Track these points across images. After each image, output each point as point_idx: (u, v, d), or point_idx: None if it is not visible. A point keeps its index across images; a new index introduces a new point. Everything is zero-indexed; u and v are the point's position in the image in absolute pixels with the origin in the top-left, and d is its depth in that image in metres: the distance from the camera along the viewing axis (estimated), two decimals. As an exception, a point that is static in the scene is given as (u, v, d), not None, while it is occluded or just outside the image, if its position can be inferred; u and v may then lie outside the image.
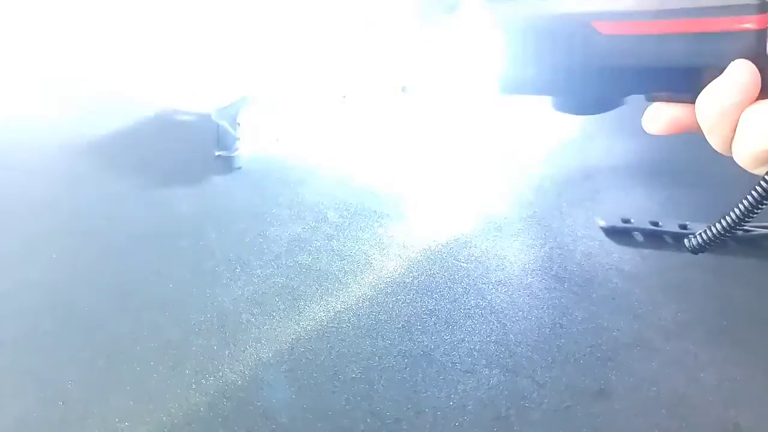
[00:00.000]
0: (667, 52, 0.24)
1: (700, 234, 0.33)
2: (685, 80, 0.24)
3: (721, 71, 0.22)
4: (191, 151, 0.51)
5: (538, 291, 0.40)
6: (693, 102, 0.24)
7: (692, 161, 0.53)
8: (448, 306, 0.38)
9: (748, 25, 0.22)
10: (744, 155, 0.21)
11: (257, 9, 0.70)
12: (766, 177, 0.21)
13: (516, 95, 0.30)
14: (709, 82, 0.23)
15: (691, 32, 0.23)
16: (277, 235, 0.43)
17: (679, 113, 0.25)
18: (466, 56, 0.29)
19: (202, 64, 0.64)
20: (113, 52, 0.65)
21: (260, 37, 0.68)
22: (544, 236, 0.44)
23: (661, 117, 0.26)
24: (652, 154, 0.54)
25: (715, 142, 0.23)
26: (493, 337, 0.36)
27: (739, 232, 0.41)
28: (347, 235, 0.44)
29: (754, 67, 0.22)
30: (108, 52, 0.65)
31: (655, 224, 0.49)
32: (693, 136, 0.27)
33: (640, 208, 0.47)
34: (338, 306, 0.38)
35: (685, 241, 0.36)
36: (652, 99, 0.26)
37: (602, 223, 0.43)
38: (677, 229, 0.49)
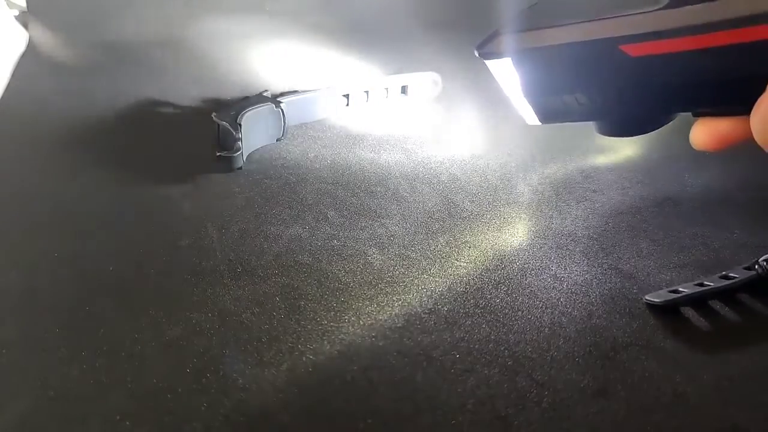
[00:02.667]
0: (703, 68, 0.22)
1: None
2: (730, 93, 0.23)
3: None
4: (191, 151, 0.51)
5: (538, 291, 0.40)
6: (744, 114, 0.23)
7: (686, 161, 0.53)
8: (448, 306, 0.39)
9: None
10: None
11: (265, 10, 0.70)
12: None
13: (558, 123, 0.29)
14: (760, 92, 0.21)
15: (729, 43, 0.21)
16: (277, 235, 0.43)
17: (729, 127, 0.24)
18: (506, 93, 0.29)
19: (204, 63, 0.64)
20: (113, 49, 0.65)
21: (263, 36, 0.68)
22: (543, 236, 0.44)
23: (709, 133, 0.25)
24: (651, 154, 0.54)
25: None
26: (493, 337, 0.36)
27: None
28: (347, 235, 0.44)
29: None
30: (108, 48, 0.65)
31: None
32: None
33: (639, 208, 0.48)
34: (338, 306, 0.38)
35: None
36: (698, 115, 0.25)
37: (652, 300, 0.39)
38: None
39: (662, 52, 0.23)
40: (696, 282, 0.39)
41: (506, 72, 0.27)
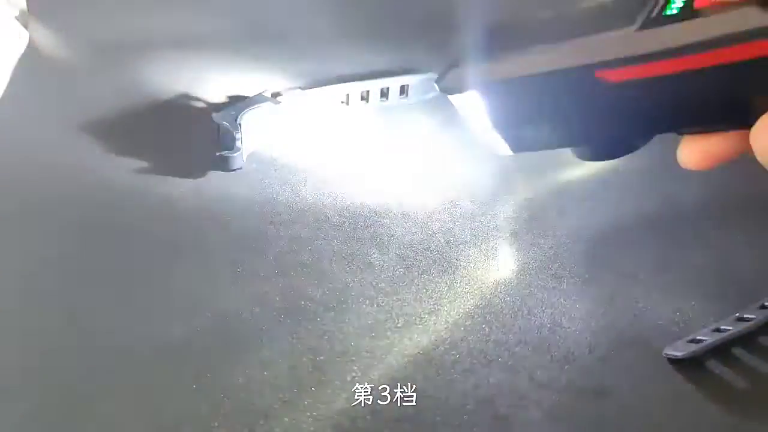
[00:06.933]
0: (688, 89, 0.21)
1: None
2: (720, 114, 0.22)
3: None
4: (192, 151, 0.51)
5: (537, 291, 0.40)
6: (732, 129, 0.22)
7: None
8: (448, 306, 0.39)
9: None
10: None
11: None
12: None
13: (533, 152, 0.28)
14: (756, 109, 0.20)
15: (716, 64, 0.20)
16: (277, 235, 0.43)
17: (718, 145, 0.23)
18: (471, 125, 0.27)
19: (204, 63, 0.64)
20: (113, 49, 0.65)
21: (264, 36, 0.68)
22: (543, 236, 0.44)
23: (697, 152, 0.24)
24: (653, 152, 0.54)
25: None
26: (493, 337, 0.37)
27: None
28: (347, 235, 0.44)
29: None
30: (108, 48, 0.65)
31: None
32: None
33: (640, 206, 0.48)
34: (338, 305, 0.38)
35: None
36: (683, 133, 0.24)
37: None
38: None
39: (643, 77, 0.21)
40: (713, 328, 0.37)
41: (472, 105, 0.26)
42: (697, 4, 0.20)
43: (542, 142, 0.26)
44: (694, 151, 0.24)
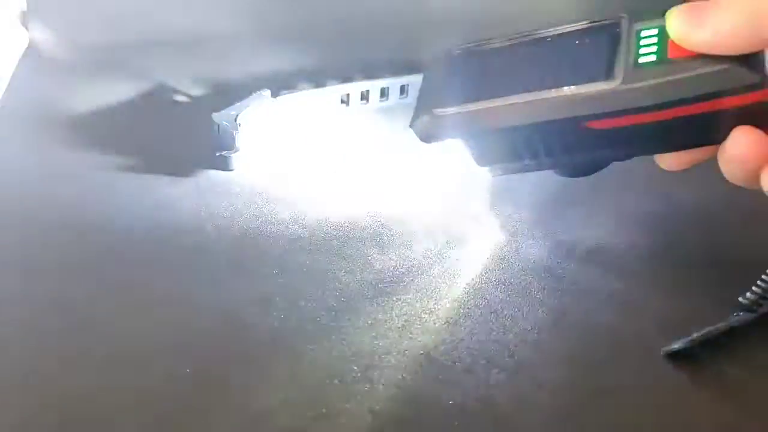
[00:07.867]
0: (670, 131, 0.24)
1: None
2: (693, 143, 0.25)
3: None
4: (191, 151, 0.51)
5: (537, 291, 0.40)
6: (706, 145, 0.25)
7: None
8: (448, 306, 0.39)
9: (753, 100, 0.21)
10: None
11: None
12: None
13: (513, 174, 0.30)
14: (723, 134, 0.23)
15: (694, 114, 0.22)
16: (277, 235, 0.43)
17: (690, 153, 0.27)
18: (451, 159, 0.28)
19: (204, 63, 0.64)
20: (114, 49, 0.65)
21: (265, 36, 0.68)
22: (543, 236, 0.44)
23: (672, 157, 0.28)
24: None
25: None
26: (493, 337, 0.36)
27: None
28: (347, 235, 0.44)
29: (756, 134, 0.22)
30: (109, 48, 0.65)
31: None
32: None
33: (642, 206, 0.48)
34: (339, 306, 0.38)
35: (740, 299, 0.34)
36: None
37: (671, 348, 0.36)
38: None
39: (627, 125, 0.23)
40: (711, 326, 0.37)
41: (453, 148, 0.27)
42: (671, 54, 0.22)
43: (525, 169, 0.29)
44: (669, 157, 0.28)
